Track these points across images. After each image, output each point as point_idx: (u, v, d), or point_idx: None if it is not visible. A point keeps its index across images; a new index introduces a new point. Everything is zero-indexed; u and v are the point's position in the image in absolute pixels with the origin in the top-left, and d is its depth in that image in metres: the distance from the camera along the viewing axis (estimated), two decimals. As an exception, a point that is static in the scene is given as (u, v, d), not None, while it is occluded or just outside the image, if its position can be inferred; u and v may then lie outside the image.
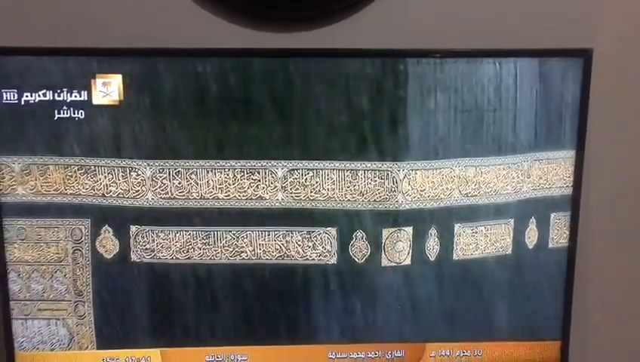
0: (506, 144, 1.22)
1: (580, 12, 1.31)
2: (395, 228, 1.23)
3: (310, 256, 1.23)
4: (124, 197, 1.19)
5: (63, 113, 1.17)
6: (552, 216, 1.27)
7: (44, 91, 1.16)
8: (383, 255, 1.24)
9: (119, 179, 1.18)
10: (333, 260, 1.23)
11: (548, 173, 1.25)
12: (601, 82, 1.28)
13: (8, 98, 1.16)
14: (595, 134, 1.29)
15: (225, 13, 1.25)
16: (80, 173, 1.18)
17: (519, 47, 1.22)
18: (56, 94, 1.16)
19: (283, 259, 1.22)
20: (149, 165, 1.18)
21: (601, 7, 1.31)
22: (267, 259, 1.22)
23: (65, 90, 1.16)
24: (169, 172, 1.18)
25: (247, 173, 1.19)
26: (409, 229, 1.23)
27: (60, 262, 1.21)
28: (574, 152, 1.25)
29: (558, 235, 1.28)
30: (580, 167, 1.26)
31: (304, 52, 1.19)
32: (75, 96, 1.16)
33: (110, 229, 1.20)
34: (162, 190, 1.19)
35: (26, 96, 1.16)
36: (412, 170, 1.21)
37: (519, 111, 1.22)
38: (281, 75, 1.17)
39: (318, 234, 1.22)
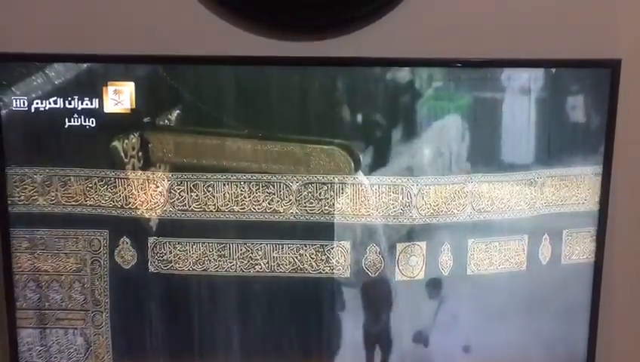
0: (520, 160, 1.23)
1: (602, 22, 1.29)
2: (409, 243, 1.23)
3: (324, 270, 1.24)
4: (142, 208, 1.21)
5: (74, 121, 1.17)
6: (565, 232, 1.26)
7: (54, 98, 1.16)
8: (397, 269, 1.24)
9: (138, 191, 1.20)
10: (347, 274, 1.24)
11: (561, 189, 1.25)
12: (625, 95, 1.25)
13: (18, 105, 1.16)
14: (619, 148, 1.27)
15: (241, 22, 1.24)
16: (100, 185, 1.20)
17: (535, 58, 1.21)
18: (67, 102, 1.16)
19: (297, 272, 1.23)
20: (167, 178, 1.20)
21: (623, 17, 1.29)
22: (281, 271, 1.23)
23: (76, 97, 1.16)
24: (186, 184, 1.20)
25: (262, 187, 1.20)
26: (423, 244, 1.24)
27: (79, 272, 1.23)
28: (589, 168, 1.24)
29: (570, 252, 1.27)
30: (607, 182, 1.25)
31: (318, 61, 1.19)
32: (87, 104, 1.16)
33: (128, 240, 1.22)
34: (180, 202, 1.21)
35: (36, 104, 1.16)
36: (426, 185, 1.22)
37: (533, 126, 1.22)
38: (296, 86, 1.18)
39: (332, 248, 1.23)
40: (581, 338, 1.30)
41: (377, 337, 1.27)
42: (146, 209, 1.21)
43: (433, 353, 1.28)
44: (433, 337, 1.27)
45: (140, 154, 1.19)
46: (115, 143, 1.18)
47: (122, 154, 1.19)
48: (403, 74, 1.19)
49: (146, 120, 1.18)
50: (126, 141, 1.18)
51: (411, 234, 1.23)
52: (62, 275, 1.23)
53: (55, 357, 1.25)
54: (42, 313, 1.24)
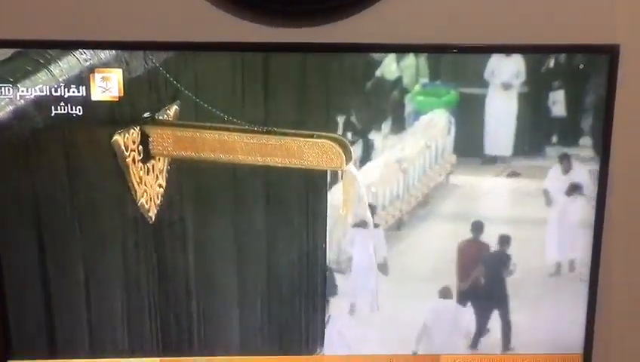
0: (506, 151, 1.21)
1: (599, 6, 1.25)
2: (399, 232, 1.24)
3: (317, 259, 1.25)
4: (139, 199, 1.21)
5: (61, 109, 1.15)
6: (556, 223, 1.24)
7: (40, 86, 1.14)
8: (395, 260, 1.24)
9: (135, 181, 1.21)
10: (339, 262, 1.25)
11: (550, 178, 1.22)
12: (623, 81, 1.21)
13: (4, 93, 1.14)
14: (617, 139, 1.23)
15: (231, 8, 1.20)
16: (97, 178, 1.20)
17: (530, 43, 1.18)
18: (53, 89, 1.14)
19: (291, 261, 1.25)
20: (161, 168, 1.21)
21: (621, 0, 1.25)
22: (276, 260, 1.25)
23: (62, 85, 1.14)
24: (181, 175, 1.21)
25: (257, 177, 1.21)
26: (413, 233, 1.24)
27: (77, 262, 1.24)
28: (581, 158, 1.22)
29: (563, 243, 1.25)
30: (605, 172, 1.22)
31: (311, 47, 1.18)
32: (73, 92, 1.15)
33: (126, 230, 1.23)
34: (176, 192, 1.22)
35: (22, 92, 1.14)
36: (416, 176, 1.22)
37: (524, 117, 1.20)
38: (289, 75, 1.17)
39: (325, 238, 1.24)
40: (578, 328, 1.28)
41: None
42: (143, 199, 1.22)
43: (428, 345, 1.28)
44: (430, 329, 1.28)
45: (141, 147, 1.19)
46: (117, 137, 1.17)
47: (123, 148, 1.18)
48: (395, 63, 1.18)
49: (132, 108, 1.16)
50: (126, 135, 1.18)
51: (407, 225, 1.23)
52: (60, 266, 1.24)
53: (54, 346, 1.27)
54: (40, 302, 1.25)
